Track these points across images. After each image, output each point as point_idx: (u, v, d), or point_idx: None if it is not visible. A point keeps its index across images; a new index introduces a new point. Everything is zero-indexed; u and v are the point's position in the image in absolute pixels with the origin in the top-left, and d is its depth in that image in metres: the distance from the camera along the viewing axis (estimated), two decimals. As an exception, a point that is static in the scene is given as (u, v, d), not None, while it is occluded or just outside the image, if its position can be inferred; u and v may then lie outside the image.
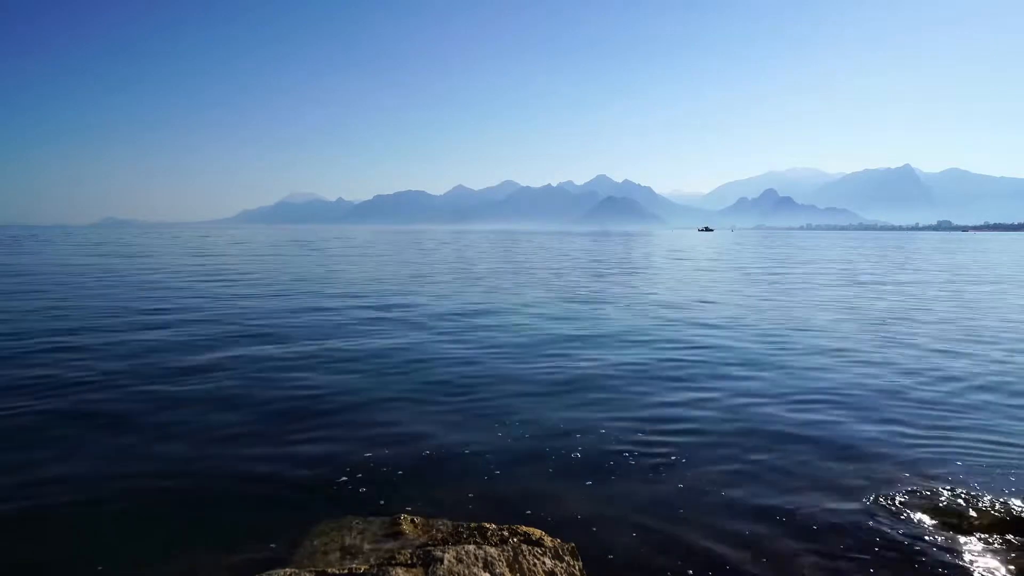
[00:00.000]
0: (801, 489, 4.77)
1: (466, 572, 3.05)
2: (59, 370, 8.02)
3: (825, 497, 4.62)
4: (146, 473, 4.94)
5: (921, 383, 7.86)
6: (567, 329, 11.72)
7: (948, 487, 4.75)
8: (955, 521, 4.23)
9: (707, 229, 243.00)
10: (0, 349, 9.31)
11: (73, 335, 10.39)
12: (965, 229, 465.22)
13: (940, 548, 3.90)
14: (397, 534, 3.69)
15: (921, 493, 4.66)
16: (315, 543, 3.73)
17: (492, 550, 3.24)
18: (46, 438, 5.66)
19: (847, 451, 5.58)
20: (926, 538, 4.03)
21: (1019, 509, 4.36)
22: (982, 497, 4.55)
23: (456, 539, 3.54)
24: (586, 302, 16.09)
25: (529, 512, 4.33)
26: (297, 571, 3.11)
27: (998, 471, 5.12)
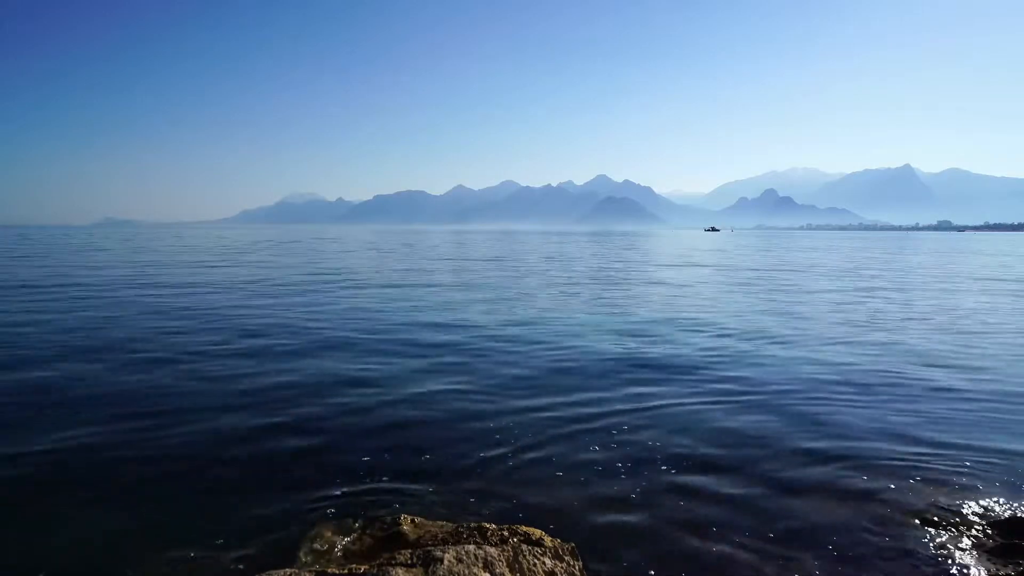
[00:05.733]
0: (803, 489, 4.78)
1: (466, 572, 3.05)
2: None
3: (831, 498, 4.64)
4: (148, 472, 4.95)
5: None
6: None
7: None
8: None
9: (713, 229, 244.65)
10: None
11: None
12: (962, 229, 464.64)
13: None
14: (397, 534, 3.69)
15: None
16: (316, 543, 3.73)
17: (492, 550, 3.24)
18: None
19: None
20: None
21: None
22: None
23: (456, 539, 3.54)
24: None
25: (529, 512, 4.33)
26: (297, 571, 3.11)
27: None
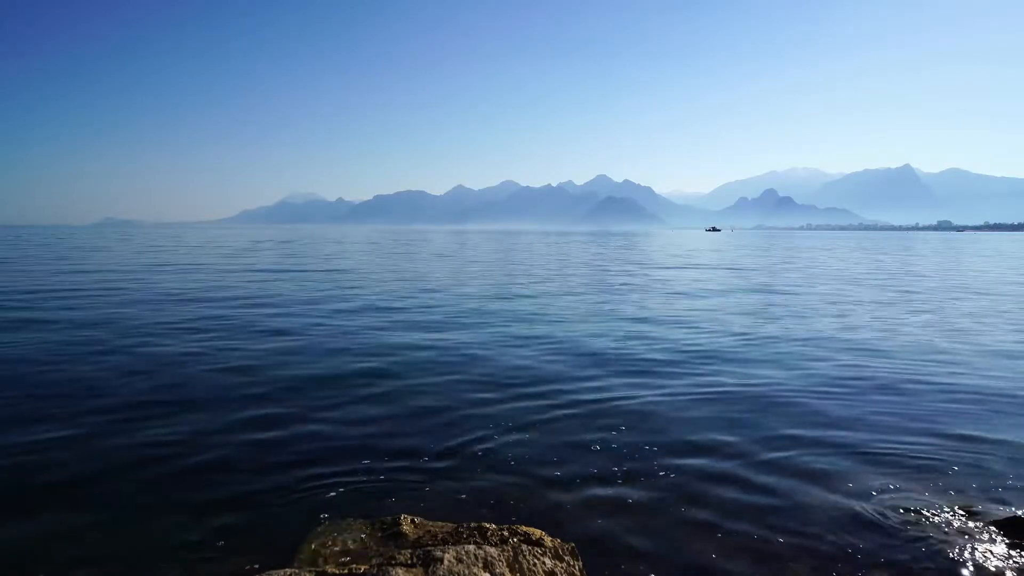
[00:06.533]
0: (806, 486, 4.77)
1: (466, 572, 3.04)
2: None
3: (834, 495, 4.63)
4: (147, 471, 4.94)
5: None
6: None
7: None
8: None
9: (714, 229, 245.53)
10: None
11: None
12: (962, 229, 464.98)
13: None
14: (397, 534, 3.68)
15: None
16: (315, 544, 3.72)
17: (492, 550, 3.23)
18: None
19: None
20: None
21: None
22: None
23: (456, 539, 3.53)
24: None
25: (529, 512, 4.32)
26: (297, 571, 3.10)
27: None
